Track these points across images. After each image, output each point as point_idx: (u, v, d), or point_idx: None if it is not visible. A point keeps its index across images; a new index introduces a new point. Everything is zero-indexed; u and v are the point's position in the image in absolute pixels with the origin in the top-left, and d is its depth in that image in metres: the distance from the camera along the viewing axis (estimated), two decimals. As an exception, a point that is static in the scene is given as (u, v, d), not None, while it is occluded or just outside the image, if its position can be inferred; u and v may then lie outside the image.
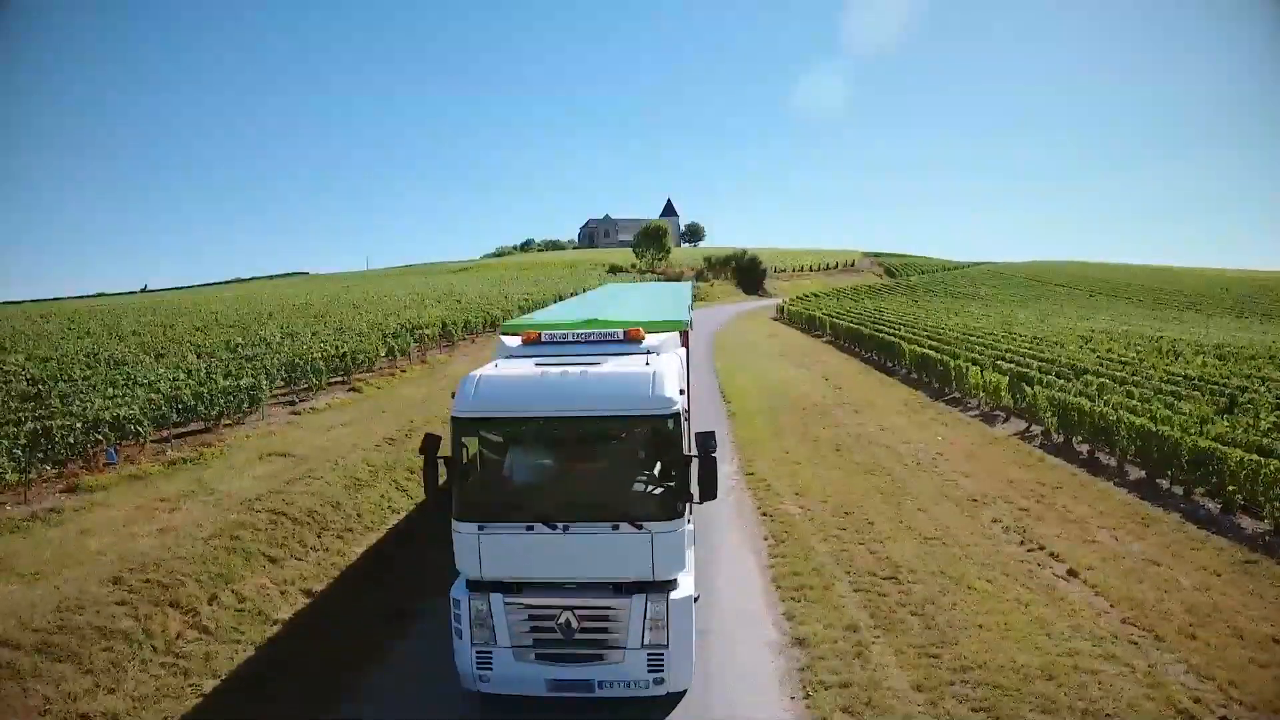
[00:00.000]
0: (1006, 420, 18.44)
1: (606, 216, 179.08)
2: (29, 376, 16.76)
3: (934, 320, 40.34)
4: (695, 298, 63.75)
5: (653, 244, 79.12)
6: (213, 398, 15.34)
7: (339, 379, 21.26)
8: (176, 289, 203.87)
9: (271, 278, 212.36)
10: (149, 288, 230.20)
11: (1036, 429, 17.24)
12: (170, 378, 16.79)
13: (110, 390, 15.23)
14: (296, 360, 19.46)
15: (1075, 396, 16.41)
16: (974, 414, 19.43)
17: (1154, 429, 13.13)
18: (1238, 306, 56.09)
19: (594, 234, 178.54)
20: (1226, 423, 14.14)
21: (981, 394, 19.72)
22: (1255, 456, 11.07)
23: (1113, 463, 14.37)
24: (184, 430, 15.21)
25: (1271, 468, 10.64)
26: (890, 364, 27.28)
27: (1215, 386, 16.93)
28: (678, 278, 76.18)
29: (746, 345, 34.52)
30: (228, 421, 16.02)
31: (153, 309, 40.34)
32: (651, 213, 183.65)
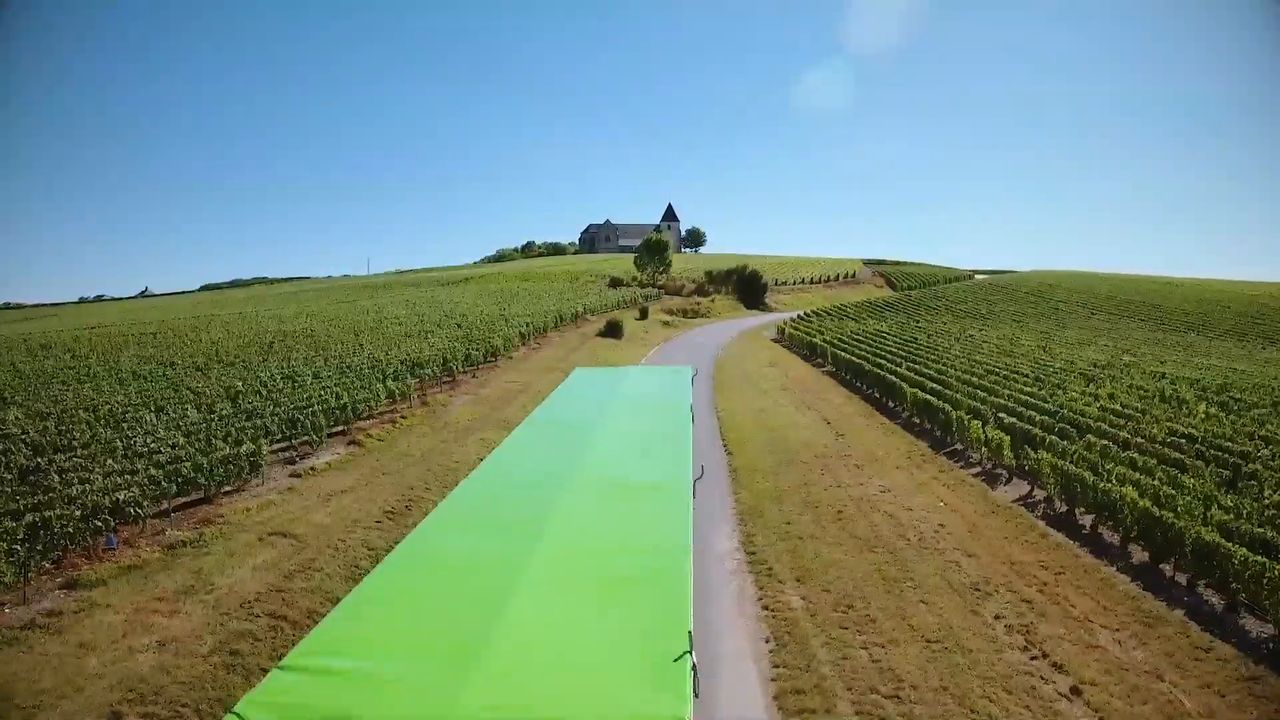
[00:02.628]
0: (1009, 481, 18.38)
1: (607, 221, 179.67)
2: (27, 440, 16.71)
3: (935, 345, 40.25)
4: (698, 314, 63.31)
5: (654, 256, 79.23)
6: (212, 468, 15.33)
7: (339, 429, 21.25)
8: (177, 294, 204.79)
9: (272, 281, 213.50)
10: (149, 290, 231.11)
11: (1039, 493, 17.19)
12: (170, 442, 16.76)
13: (109, 462, 15.19)
14: (296, 416, 19.43)
15: (1078, 465, 16.41)
16: (976, 471, 19.37)
17: (1157, 513, 13.07)
18: (1239, 327, 56.04)
19: (595, 239, 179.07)
20: (1230, 501, 14.11)
21: (984, 449, 19.68)
22: (1260, 558, 11.01)
23: (1116, 541, 14.31)
24: (184, 501, 15.18)
25: (1276, 572, 10.60)
26: (892, 404, 27.21)
27: (1218, 454, 16.86)
28: (678, 291, 76.28)
29: (747, 377, 34.47)
30: (228, 488, 15.99)
31: (153, 335, 40.28)
32: (652, 217, 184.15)
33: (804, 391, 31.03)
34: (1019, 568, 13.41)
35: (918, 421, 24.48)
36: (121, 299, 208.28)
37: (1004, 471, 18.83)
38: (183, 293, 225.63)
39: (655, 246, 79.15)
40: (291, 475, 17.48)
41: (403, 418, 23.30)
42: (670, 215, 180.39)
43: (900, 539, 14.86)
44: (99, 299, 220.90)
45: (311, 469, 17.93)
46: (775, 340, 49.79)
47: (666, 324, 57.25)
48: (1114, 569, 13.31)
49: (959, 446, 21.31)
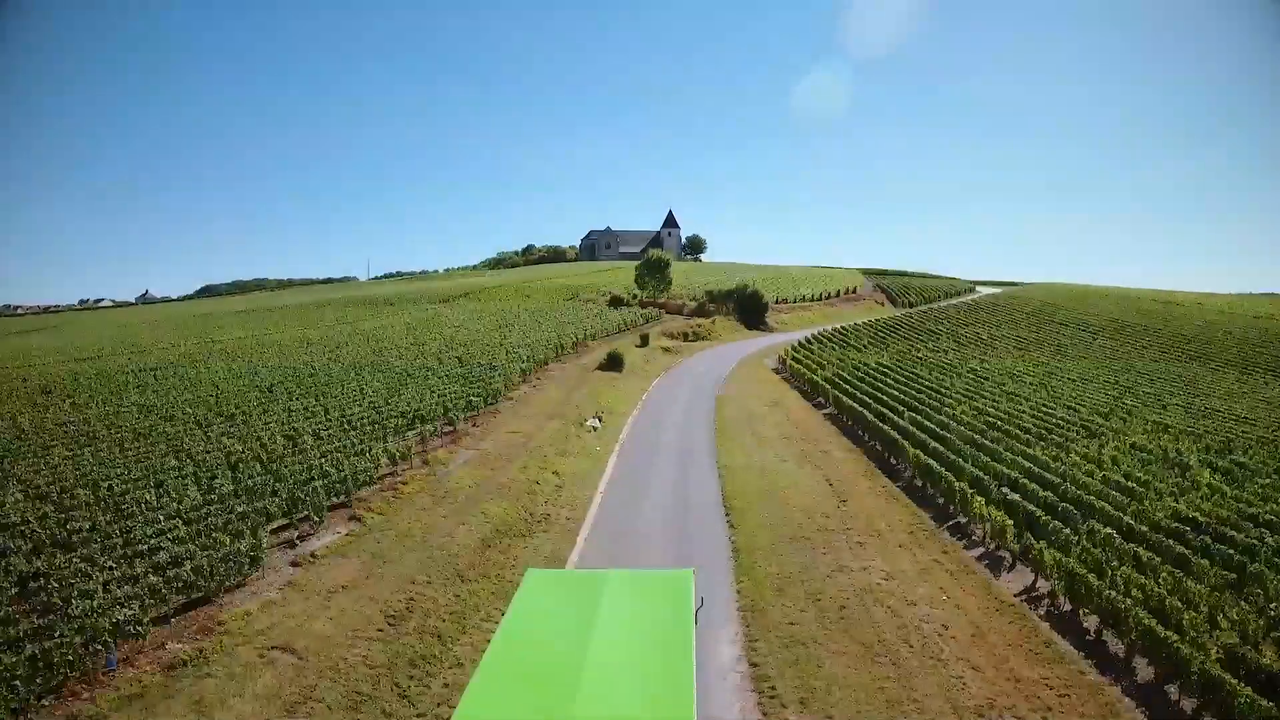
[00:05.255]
0: (1012, 568, 18.30)
1: (608, 228, 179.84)
2: (26, 532, 16.65)
3: (937, 384, 40.22)
4: (699, 337, 63.33)
5: (654, 274, 79.16)
6: (213, 568, 15.28)
7: (341, 499, 21.17)
8: (176, 301, 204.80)
9: (272, 287, 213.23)
10: (149, 294, 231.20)
11: (1042, 585, 17.11)
12: (171, 534, 16.71)
13: (110, 564, 15.14)
14: (297, 494, 19.38)
15: (1081, 560, 16.41)
16: (979, 553, 19.29)
17: (1162, 634, 13.03)
18: (1241, 356, 55.93)
19: (595, 246, 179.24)
20: (1236, 614, 14.07)
21: (987, 525, 19.63)
22: (1266, 702, 10.96)
23: (1120, 652, 14.24)
24: (185, 601, 15.11)
25: (1282, 721, 10.54)
26: (894, 461, 27.16)
27: (1222, 547, 16.81)
28: (679, 310, 76.22)
29: (749, 420, 34.38)
30: (229, 584, 15.91)
31: (153, 374, 40.21)
32: (653, 224, 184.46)
33: (805, 441, 30.93)
34: (1023, 686, 13.33)
35: (920, 485, 24.41)
36: (121, 305, 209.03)
37: (1007, 555, 18.76)
38: (182, 298, 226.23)
39: (656, 265, 79.09)
40: (292, 564, 17.40)
41: (403, 484, 23.20)
42: (670, 222, 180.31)
43: (903, 644, 14.78)
44: (98, 303, 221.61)
45: (312, 555, 17.85)
46: (776, 371, 49.70)
47: (667, 350, 57.17)
48: (1119, 689, 13.22)
49: (961, 519, 21.25)
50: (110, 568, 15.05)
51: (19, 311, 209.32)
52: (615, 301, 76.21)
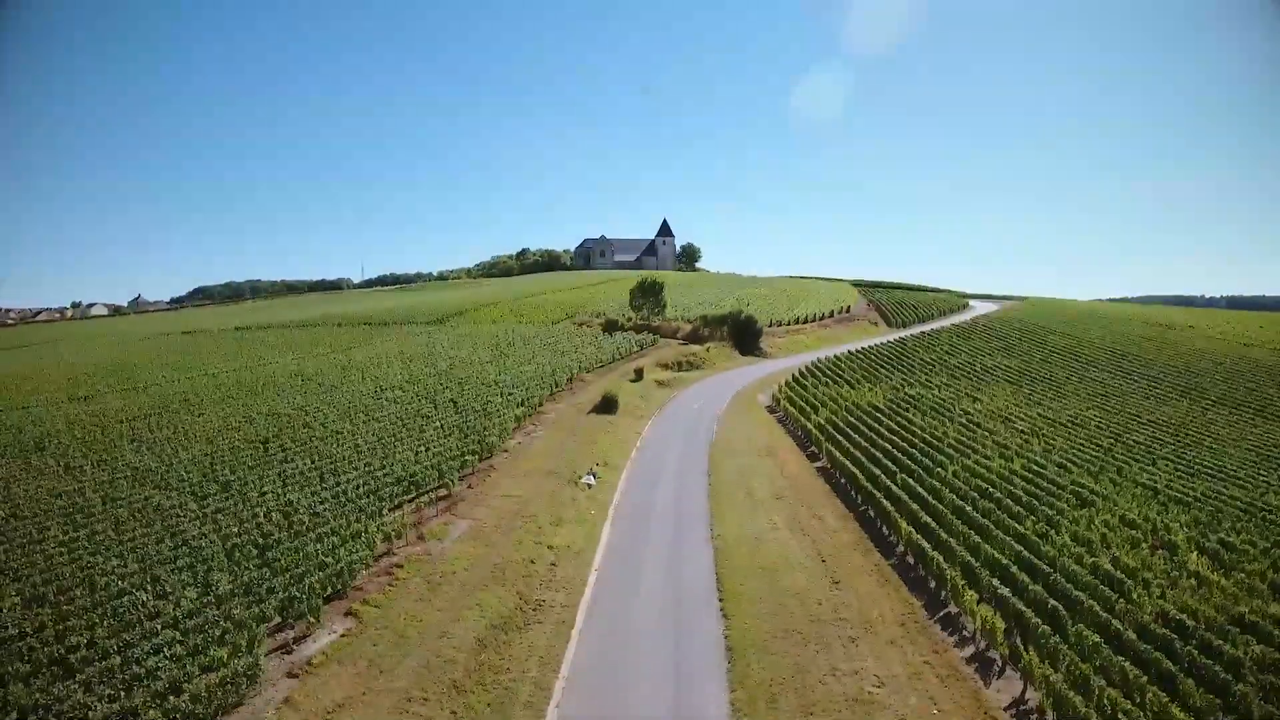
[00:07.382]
0: (1002, 672, 18.54)
1: (602, 237, 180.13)
2: (24, 651, 16.71)
3: (929, 431, 40.52)
4: (693, 366, 63.06)
5: (649, 298, 79.33)
6: (210, 694, 15.38)
7: (337, 590, 21.27)
8: (167, 306, 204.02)
9: (268, 293, 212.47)
10: (141, 299, 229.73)
11: (1031, 695, 17.37)
12: (168, 650, 16.80)
13: (108, 692, 15.23)
14: (294, 593, 19.50)
15: (1069, 675, 16.68)
16: (970, 652, 19.51)
17: (1148, 778, 13.30)
18: (1230, 394, 56.50)
19: (590, 253, 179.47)
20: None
21: (978, 620, 19.88)
22: None
23: (1107, 785, 14.53)
24: (182, 726, 15.21)
25: None
26: (886, 531, 27.40)
27: (1208, 661, 17.09)
28: (673, 334, 76.42)
29: (742, 474, 34.57)
30: (228, 705, 16.01)
31: (148, 422, 40.15)
32: (648, 231, 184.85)
33: (799, 504, 31.12)
34: (1012, 829, 13.58)
35: (912, 563, 24.65)
36: (114, 312, 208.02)
37: (997, 658, 19.00)
38: (175, 300, 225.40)
39: (650, 288, 79.30)
40: (289, 674, 17.49)
41: (399, 565, 23.31)
42: (665, 230, 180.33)
43: (895, 774, 14.99)
44: (90, 307, 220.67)
45: (309, 664, 17.94)
46: (770, 409, 49.88)
47: (661, 384, 57.29)
48: (1105, 834, 13.49)
49: (953, 609, 21.49)
50: (110, 697, 15.12)
51: (10, 316, 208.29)
52: (610, 326, 76.29)
